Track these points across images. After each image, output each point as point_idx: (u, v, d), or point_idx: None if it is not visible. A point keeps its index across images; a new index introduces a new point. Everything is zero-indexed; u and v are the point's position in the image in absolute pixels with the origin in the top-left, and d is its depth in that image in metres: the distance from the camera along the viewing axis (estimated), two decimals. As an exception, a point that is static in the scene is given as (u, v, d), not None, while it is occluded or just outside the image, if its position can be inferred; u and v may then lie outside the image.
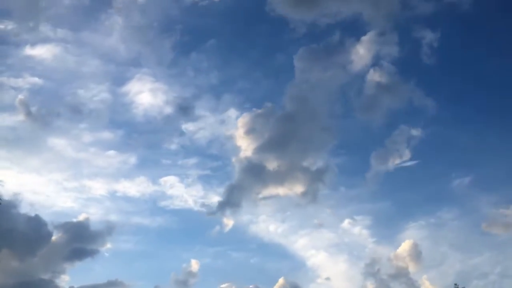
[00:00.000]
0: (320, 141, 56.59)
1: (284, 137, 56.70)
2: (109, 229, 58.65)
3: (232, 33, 62.99)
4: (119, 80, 64.45)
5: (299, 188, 54.62)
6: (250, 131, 57.90)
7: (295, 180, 55.68)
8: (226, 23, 62.34)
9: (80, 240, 55.24)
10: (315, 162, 55.30)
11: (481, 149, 57.08)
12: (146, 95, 63.92)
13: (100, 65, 65.66)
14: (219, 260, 60.51)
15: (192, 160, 60.49)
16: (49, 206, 61.05)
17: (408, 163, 52.56)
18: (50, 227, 53.40)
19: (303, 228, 58.35)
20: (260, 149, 56.69)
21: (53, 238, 53.50)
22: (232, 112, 63.71)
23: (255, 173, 55.27)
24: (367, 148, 52.29)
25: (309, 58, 58.87)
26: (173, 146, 62.54)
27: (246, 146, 58.34)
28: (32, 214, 52.79)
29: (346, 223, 56.92)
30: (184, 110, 63.91)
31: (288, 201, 59.52)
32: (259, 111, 60.10)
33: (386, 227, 54.40)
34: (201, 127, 62.64)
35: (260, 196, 58.34)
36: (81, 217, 57.74)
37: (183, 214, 59.39)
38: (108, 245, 58.11)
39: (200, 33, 59.63)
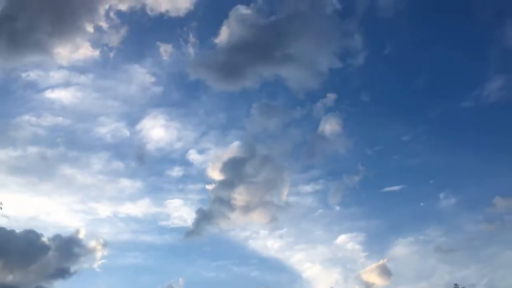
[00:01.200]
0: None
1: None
2: (104, 246, 58.56)
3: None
4: (135, 118, 68.11)
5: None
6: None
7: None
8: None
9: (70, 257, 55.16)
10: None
11: (466, 173, 60.51)
12: (159, 131, 67.47)
13: (118, 105, 68.88)
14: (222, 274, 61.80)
15: (195, 186, 63.64)
16: (56, 225, 64.00)
17: (401, 187, 56.04)
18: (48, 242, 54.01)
19: (299, 244, 61.83)
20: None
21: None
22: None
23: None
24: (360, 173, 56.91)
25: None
26: (179, 173, 64.97)
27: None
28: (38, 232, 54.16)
29: (339, 239, 60.40)
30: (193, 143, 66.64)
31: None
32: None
33: (377, 243, 60.30)
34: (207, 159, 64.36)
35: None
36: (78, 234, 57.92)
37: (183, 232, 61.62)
38: (103, 261, 57.73)
39: (210, 79, 63.75)
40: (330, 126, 61.35)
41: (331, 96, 55.79)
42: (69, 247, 55.20)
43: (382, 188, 57.22)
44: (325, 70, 61.42)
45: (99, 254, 57.47)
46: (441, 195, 56.76)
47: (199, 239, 59.59)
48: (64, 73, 65.96)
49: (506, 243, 55.29)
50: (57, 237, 55.47)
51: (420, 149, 57.07)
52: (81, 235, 57.66)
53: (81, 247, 56.42)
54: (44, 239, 53.93)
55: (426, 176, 58.40)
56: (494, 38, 55.61)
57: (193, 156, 65.40)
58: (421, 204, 56.92)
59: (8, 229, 51.83)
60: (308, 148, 62.96)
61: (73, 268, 54.19)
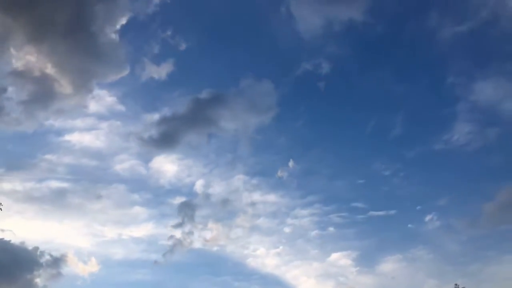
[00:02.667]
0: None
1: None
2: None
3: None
4: (150, 156, 70.51)
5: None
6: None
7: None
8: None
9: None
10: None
11: (450, 198, 63.43)
12: (172, 167, 70.59)
13: (134, 146, 70.52)
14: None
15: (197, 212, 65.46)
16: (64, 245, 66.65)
17: (391, 211, 61.37)
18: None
19: (295, 261, 66.29)
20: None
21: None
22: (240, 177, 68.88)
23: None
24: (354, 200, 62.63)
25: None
26: (183, 201, 67.27)
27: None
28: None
29: (333, 256, 65.19)
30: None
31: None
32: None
33: (368, 260, 63.70)
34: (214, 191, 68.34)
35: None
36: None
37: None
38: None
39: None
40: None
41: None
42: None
43: (373, 213, 62.29)
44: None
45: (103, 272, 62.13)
46: (427, 218, 61.73)
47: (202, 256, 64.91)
48: (87, 120, 69.68)
49: (489, 259, 60.04)
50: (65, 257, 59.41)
51: (401, 182, 63.03)
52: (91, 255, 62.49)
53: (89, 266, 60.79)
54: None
55: (413, 203, 63.21)
56: (463, 93, 61.04)
57: (198, 187, 68.89)
58: (409, 225, 62.27)
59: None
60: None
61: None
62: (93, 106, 69.30)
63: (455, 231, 62.67)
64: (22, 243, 56.45)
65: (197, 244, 66.75)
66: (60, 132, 67.66)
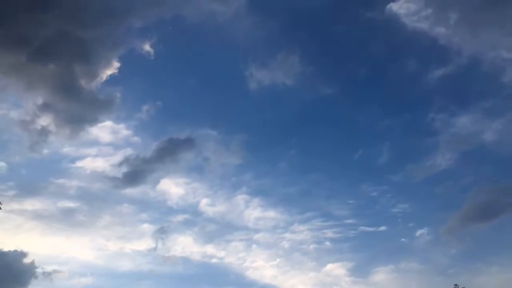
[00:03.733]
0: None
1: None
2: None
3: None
4: (158, 179, 74.78)
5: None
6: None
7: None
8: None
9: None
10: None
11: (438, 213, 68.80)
12: (179, 190, 75.27)
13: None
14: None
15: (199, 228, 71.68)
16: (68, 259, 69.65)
17: (383, 227, 65.74)
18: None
19: (292, 271, 69.74)
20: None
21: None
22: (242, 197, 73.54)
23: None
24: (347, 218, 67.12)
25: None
26: (187, 219, 72.55)
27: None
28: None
29: (328, 267, 69.22)
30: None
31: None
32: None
33: (361, 270, 68.31)
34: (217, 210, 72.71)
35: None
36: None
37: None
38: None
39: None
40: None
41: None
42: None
43: (364, 228, 67.34)
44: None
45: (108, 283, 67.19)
46: (418, 233, 67.20)
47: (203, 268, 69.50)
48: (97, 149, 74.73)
49: (476, 271, 64.67)
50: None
51: (388, 202, 67.88)
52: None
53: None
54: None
55: (402, 219, 68.39)
56: (442, 126, 67.72)
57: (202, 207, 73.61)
58: (402, 239, 67.36)
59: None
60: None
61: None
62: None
63: (444, 245, 68.02)
64: (23, 254, 58.81)
65: (197, 256, 71.47)
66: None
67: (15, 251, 58.67)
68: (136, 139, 75.70)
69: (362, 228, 67.55)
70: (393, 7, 69.41)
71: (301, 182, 72.20)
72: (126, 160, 73.16)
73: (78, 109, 71.27)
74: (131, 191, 73.42)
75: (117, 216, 73.10)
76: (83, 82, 70.33)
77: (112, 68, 71.03)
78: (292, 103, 73.89)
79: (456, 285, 48.39)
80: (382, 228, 67.26)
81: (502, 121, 68.65)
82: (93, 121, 73.17)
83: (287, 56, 69.38)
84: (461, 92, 72.12)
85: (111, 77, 70.76)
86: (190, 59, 76.20)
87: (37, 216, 67.60)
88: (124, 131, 75.52)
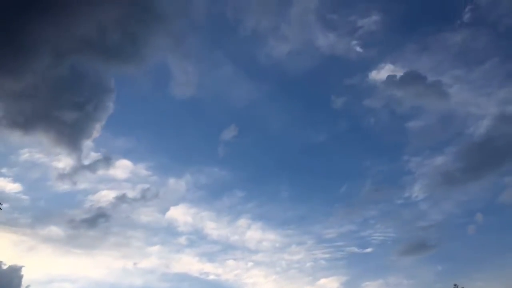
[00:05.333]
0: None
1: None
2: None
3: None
4: (167, 207, 79.79)
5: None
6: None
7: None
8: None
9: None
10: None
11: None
12: (188, 217, 79.13)
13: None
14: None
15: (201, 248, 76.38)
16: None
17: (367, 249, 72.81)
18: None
19: (289, 285, 74.29)
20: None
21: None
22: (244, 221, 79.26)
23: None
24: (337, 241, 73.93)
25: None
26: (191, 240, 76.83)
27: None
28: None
29: (321, 281, 74.18)
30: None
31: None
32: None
33: (352, 284, 73.71)
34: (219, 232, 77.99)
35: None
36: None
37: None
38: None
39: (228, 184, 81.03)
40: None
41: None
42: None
43: (356, 249, 73.81)
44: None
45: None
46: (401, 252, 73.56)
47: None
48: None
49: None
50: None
51: (372, 227, 75.30)
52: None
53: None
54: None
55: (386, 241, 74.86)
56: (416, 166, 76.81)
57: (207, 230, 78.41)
58: (391, 258, 73.64)
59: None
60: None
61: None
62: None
63: (430, 263, 73.58)
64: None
65: (197, 273, 75.55)
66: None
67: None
68: (153, 177, 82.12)
69: (351, 249, 75.00)
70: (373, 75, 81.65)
71: (298, 209, 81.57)
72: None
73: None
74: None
75: (127, 238, 76.82)
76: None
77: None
78: (291, 147, 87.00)
79: (455, 285, 48.65)
80: (369, 250, 74.95)
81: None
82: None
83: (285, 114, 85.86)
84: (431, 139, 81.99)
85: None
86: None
87: (47, 239, 71.25)
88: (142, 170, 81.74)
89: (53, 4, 60.74)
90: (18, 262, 61.74)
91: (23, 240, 69.61)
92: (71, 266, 73.27)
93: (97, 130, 75.56)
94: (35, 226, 71.81)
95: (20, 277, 58.74)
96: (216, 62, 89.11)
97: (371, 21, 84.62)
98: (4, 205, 67.51)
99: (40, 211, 74.15)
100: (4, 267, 59.41)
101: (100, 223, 74.25)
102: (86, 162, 76.40)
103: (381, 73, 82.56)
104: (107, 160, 78.54)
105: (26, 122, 66.98)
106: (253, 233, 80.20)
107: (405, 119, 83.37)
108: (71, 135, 72.25)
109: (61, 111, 69.50)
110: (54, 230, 71.90)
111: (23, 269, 60.32)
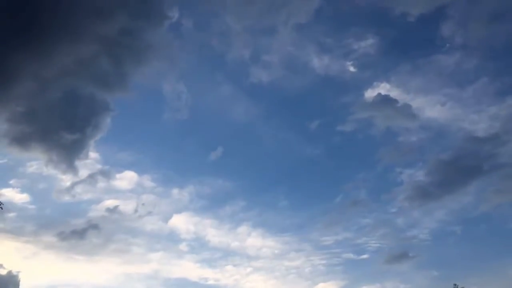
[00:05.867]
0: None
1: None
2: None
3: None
4: (171, 215, 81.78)
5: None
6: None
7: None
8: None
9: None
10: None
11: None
12: (190, 225, 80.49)
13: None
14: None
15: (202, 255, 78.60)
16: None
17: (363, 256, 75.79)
18: None
19: None
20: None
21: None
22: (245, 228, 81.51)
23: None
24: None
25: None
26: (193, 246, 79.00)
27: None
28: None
29: (319, 286, 75.89)
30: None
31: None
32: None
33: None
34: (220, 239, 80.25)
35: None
36: None
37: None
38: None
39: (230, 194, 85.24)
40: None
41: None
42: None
43: (352, 256, 76.82)
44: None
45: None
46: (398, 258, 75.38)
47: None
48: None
49: None
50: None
51: (367, 234, 79.08)
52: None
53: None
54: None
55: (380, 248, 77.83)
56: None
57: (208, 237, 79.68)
58: (387, 264, 75.79)
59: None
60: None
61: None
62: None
63: (426, 268, 75.24)
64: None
65: (195, 279, 75.66)
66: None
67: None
68: (158, 188, 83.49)
69: (348, 255, 77.94)
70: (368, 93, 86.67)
71: (296, 217, 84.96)
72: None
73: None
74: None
75: (130, 244, 77.62)
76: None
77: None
78: (289, 160, 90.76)
79: (455, 284, 48.74)
80: (365, 256, 77.69)
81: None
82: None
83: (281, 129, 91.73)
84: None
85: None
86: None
87: (50, 246, 72.12)
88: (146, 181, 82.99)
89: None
90: (19, 268, 62.36)
91: (26, 247, 70.61)
92: (73, 272, 74.63)
93: (99, 144, 78.50)
94: (39, 234, 73.04)
95: (17, 283, 58.47)
96: (214, 83, 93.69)
97: (366, 44, 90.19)
98: (11, 214, 71.17)
99: (45, 220, 75.49)
100: (3, 272, 59.25)
101: (102, 231, 75.13)
102: (91, 173, 78.11)
103: (374, 91, 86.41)
104: (111, 172, 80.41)
105: (30, 138, 69.41)
106: (253, 240, 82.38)
107: (396, 135, 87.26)
108: (75, 150, 73.46)
109: (64, 129, 70.71)
110: (57, 237, 72.81)
111: (20, 274, 59.80)
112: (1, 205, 33.48)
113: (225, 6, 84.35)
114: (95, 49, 66.91)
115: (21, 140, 68.43)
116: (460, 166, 79.50)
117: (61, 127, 70.06)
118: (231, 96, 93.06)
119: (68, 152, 72.01)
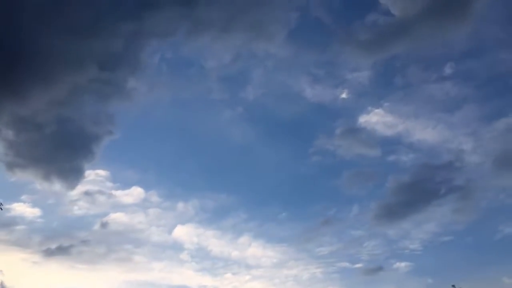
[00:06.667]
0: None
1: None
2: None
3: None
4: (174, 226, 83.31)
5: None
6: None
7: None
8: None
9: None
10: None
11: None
12: (193, 237, 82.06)
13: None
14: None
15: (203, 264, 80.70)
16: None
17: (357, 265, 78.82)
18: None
19: None
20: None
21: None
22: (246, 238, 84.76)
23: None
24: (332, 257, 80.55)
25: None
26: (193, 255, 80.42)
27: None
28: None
29: None
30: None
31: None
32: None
33: None
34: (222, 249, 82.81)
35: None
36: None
37: None
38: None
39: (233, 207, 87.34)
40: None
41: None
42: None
43: (350, 265, 78.95)
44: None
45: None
46: (395, 266, 77.67)
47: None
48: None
49: None
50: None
51: (362, 244, 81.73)
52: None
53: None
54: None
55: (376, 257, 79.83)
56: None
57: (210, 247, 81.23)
58: (381, 272, 77.44)
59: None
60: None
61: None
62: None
63: (421, 275, 76.53)
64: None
65: (195, 286, 76.63)
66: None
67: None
68: (164, 203, 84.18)
69: (343, 264, 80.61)
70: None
71: (294, 229, 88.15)
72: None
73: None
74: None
75: (134, 254, 78.41)
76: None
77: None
78: (286, 177, 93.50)
79: (453, 286, 48.67)
80: (359, 265, 79.81)
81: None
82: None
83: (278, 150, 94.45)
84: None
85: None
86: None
87: (53, 254, 72.38)
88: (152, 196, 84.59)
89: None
90: (23, 278, 63.79)
91: (30, 258, 71.19)
92: (75, 281, 75.21)
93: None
94: (44, 244, 73.74)
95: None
96: (216, 107, 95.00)
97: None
98: (20, 227, 73.18)
99: (51, 232, 77.15)
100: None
101: (108, 242, 76.80)
102: (99, 188, 79.48)
103: (366, 118, 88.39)
104: (118, 187, 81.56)
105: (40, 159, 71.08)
106: (254, 249, 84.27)
107: (387, 154, 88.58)
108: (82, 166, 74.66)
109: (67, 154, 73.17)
110: (61, 247, 73.67)
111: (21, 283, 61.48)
112: (1, 205, 34.80)
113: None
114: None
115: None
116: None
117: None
118: (230, 121, 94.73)
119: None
